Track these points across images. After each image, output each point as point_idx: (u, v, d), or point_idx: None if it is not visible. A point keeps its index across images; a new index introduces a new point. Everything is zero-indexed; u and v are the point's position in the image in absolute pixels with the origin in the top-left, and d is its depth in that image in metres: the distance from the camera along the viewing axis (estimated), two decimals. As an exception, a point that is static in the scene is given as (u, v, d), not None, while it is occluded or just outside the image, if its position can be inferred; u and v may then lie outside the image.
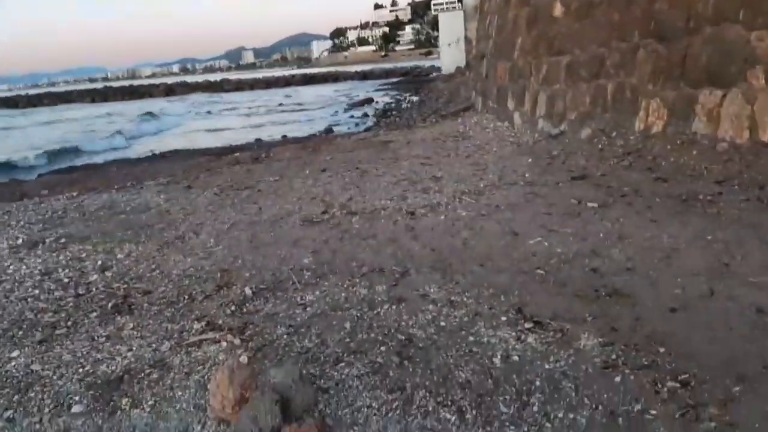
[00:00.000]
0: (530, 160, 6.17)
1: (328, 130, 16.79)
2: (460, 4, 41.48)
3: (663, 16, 5.48)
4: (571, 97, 7.11)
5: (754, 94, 4.44)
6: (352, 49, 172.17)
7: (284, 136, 15.86)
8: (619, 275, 3.09)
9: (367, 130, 15.49)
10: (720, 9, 4.80)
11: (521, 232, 3.94)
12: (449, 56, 35.86)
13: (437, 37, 45.23)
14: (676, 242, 3.40)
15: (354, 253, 3.88)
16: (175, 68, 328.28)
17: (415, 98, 27.08)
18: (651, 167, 5.03)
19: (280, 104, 33.39)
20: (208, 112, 32.24)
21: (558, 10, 7.60)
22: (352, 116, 21.66)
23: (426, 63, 68.59)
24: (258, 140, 15.81)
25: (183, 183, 6.92)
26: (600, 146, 5.93)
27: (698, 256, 3.17)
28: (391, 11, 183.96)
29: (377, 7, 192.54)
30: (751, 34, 4.46)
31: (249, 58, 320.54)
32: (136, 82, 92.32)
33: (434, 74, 46.59)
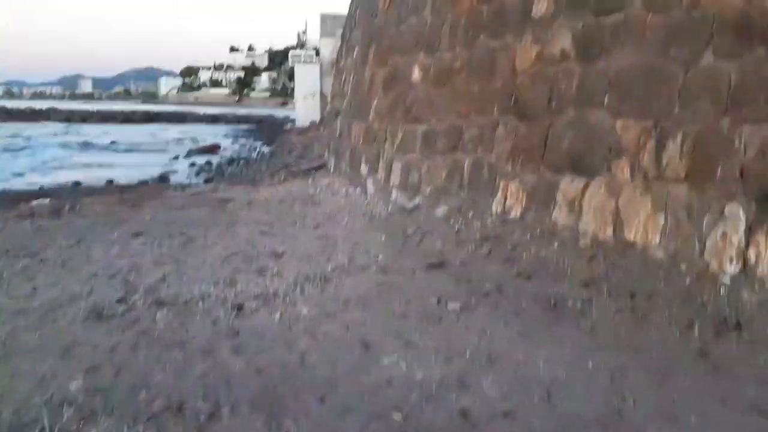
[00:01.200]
0: (383, 237, 5.52)
1: (163, 178, 15.14)
2: (318, 57, 41.71)
3: (525, 91, 5.23)
4: (427, 169, 6.69)
5: (618, 186, 4.20)
6: (204, 89, 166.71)
7: (110, 181, 13.92)
8: (494, 422, 2.40)
9: (207, 181, 14.17)
10: (584, 90, 4.60)
11: (374, 342, 3.16)
12: (304, 109, 35.62)
13: (294, 88, 45.03)
14: (554, 370, 2.82)
15: (148, 374, 2.81)
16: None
17: (266, 149, 26.06)
18: (511, 258, 4.59)
19: (113, 142, 30.35)
20: (26, 147, 28.22)
21: (416, 74, 7.25)
22: (193, 163, 19.99)
23: (281, 113, 67.76)
24: (76, 183, 13.71)
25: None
26: (457, 227, 5.46)
27: (584, 394, 2.60)
28: (247, 56, 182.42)
29: (233, 50, 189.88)
30: (616, 121, 4.26)
31: (87, 87, 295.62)
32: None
33: (288, 125, 46.01)
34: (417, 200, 6.76)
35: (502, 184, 5.37)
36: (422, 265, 4.56)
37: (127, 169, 19.20)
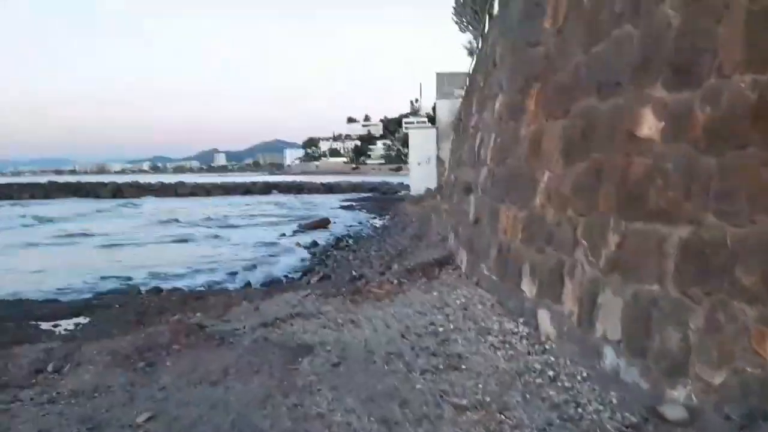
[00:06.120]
0: None
1: (255, 266, 12.57)
2: (430, 123, 39.47)
3: None
4: (706, 327, 3.01)
5: None
6: (323, 159, 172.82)
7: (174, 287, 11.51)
8: None
9: (305, 273, 11.36)
10: None
11: None
12: (419, 176, 32.90)
13: (407, 154, 43.06)
14: None
15: None
16: (146, 166, 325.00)
17: (378, 223, 23.38)
18: None
19: (209, 218, 29.28)
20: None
21: (650, 124, 3.70)
22: (297, 243, 17.56)
23: (395, 179, 66.42)
24: (125, 286, 11.34)
25: None
26: None
27: None
28: (363, 126, 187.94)
29: (350, 120, 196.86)
30: None
31: (221, 160, 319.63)
32: (100, 178, 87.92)
33: (402, 192, 43.68)
34: (684, 392, 3.07)
35: None
36: None
37: (222, 254, 17.10)
